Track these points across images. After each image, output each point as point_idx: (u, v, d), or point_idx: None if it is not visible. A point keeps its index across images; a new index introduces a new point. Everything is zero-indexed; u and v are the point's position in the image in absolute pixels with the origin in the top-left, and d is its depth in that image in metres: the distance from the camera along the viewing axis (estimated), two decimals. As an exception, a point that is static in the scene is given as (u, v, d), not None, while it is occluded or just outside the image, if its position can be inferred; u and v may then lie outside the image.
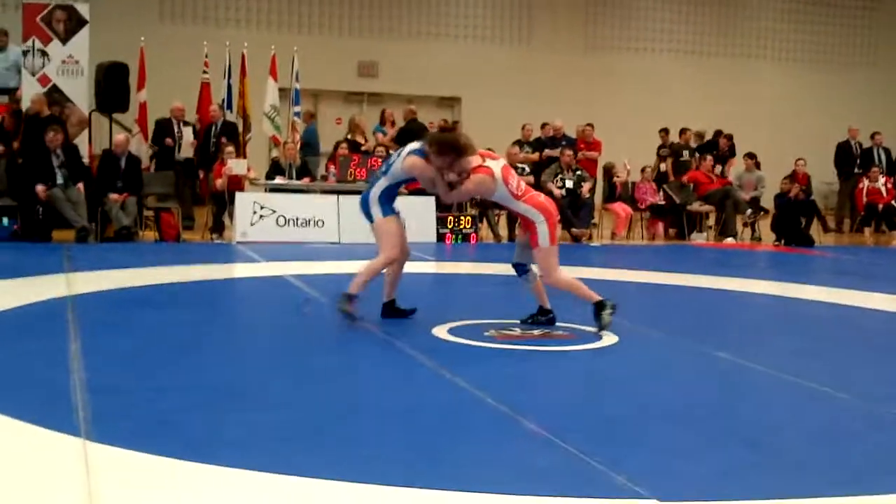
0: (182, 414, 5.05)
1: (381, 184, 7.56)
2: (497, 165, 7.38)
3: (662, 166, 17.23)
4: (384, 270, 7.78)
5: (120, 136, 13.72)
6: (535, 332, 7.45)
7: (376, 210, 7.54)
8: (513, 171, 7.58)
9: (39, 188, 12.56)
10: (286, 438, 4.67)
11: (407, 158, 7.45)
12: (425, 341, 6.97)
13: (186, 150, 15.06)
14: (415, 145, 7.54)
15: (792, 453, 4.71)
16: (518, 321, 7.70)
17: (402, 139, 15.50)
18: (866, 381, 6.29)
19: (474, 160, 7.33)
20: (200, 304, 8.90)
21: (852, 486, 4.13)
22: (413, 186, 14.34)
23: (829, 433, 5.10)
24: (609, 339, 7.21)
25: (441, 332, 7.27)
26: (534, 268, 7.71)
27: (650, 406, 5.53)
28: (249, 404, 5.34)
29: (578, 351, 6.88)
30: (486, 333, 7.29)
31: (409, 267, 11.08)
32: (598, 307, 7.41)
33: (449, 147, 7.29)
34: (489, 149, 7.88)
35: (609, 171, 16.49)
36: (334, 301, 7.55)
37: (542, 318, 7.73)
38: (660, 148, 17.92)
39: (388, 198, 7.57)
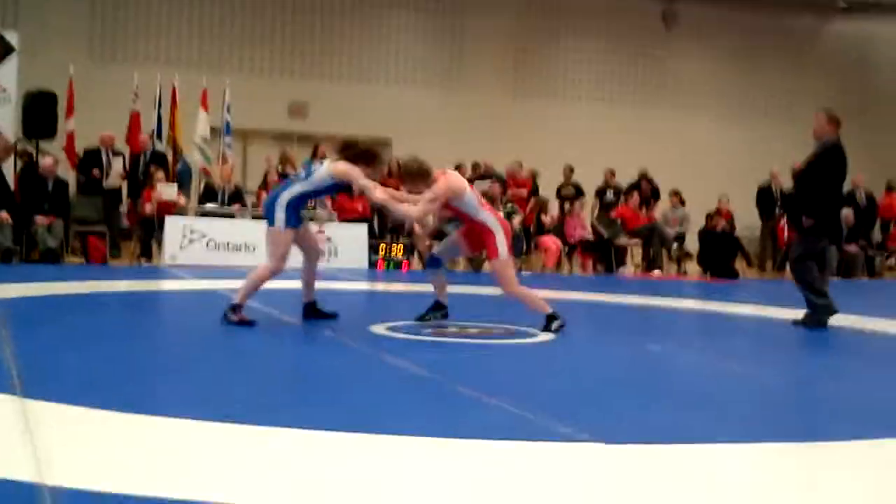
0: (112, 379, 5.02)
1: (295, 190, 7.15)
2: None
3: (567, 206, 17.30)
4: (301, 274, 7.68)
5: (47, 160, 13.53)
6: (472, 329, 7.48)
7: (280, 216, 7.11)
8: None
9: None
10: (227, 398, 4.64)
11: (339, 164, 7.13)
12: (364, 335, 6.98)
13: (115, 179, 14.85)
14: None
15: (725, 410, 4.91)
16: (449, 322, 7.72)
17: None
18: (783, 365, 6.67)
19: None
20: (128, 308, 8.83)
21: (777, 436, 4.33)
22: (351, 216, 14.48)
23: (752, 397, 5.39)
24: (544, 336, 7.27)
25: (380, 329, 7.26)
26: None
27: (588, 380, 5.64)
28: (180, 375, 5.31)
29: (515, 344, 6.93)
30: (425, 331, 7.32)
31: (342, 284, 11.16)
32: (550, 318, 7.45)
33: (423, 173, 7.33)
34: None
35: (541, 206, 16.67)
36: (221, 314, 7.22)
37: (439, 312, 7.82)
38: (560, 187, 18.09)
39: (295, 207, 7.18)
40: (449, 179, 7.30)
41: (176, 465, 3.46)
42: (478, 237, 7.58)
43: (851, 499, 3.44)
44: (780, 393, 5.63)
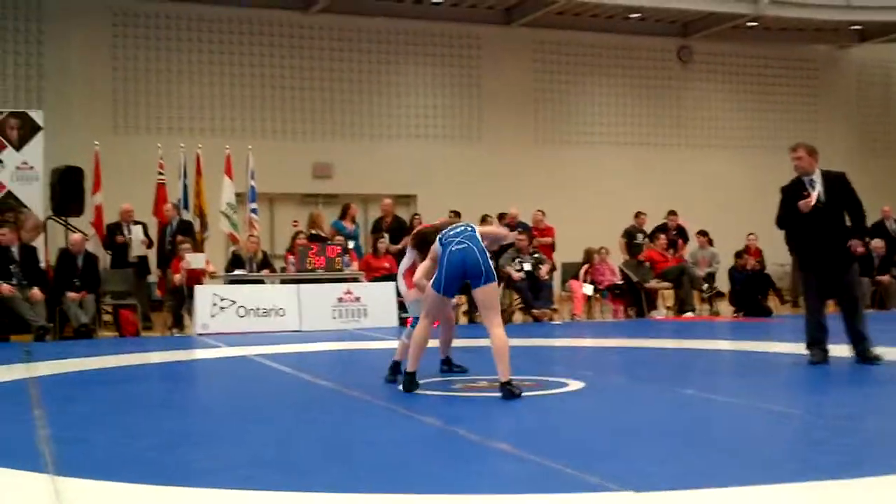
0: (143, 452, 5.03)
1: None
2: None
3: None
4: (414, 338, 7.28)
5: (76, 236, 13.67)
6: (502, 382, 7.45)
7: (493, 272, 7.05)
8: None
9: (5, 287, 12.42)
10: (259, 465, 4.65)
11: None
12: (394, 394, 6.98)
13: (138, 247, 14.97)
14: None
15: (757, 454, 4.86)
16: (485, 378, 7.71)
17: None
18: (816, 404, 6.71)
19: None
20: (160, 380, 8.89)
21: (813, 474, 4.30)
22: (379, 274, 14.56)
23: (787, 436, 5.41)
24: (575, 385, 7.24)
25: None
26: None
27: (619, 428, 5.60)
28: (217, 443, 5.32)
29: (545, 395, 6.90)
30: (454, 386, 7.32)
31: (372, 344, 11.18)
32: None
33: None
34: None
35: (590, 256, 16.51)
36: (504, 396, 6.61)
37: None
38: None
39: None
40: None
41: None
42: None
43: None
44: (817, 430, 5.56)
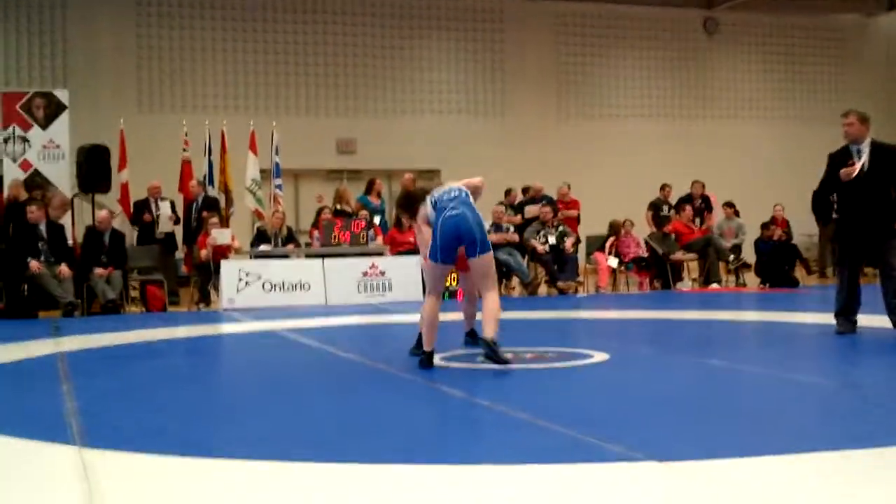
0: (173, 425, 5.07)
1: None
2: None
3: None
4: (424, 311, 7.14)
5: (103, 213, 13.76)
6: (527, 355, 7.46)
7: (488, 242, 6.91)
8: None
9: (34, 263, 12.53)
10: (284, 437, 4.68)
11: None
12: (419, 367, 6.99)
13: (165, 224, 15.09)
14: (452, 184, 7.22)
15: (784, 423, 4.86)
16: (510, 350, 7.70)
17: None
18: (844, 373, 6.70)
19: None
20: (186, 354, 8.96)
21: (840, 444, 4.26)
22: (404, 248, 14.53)
23: (813, 406, 5.36)
24: (600, 356, 7.23)
25: (435, 360, 7.23)
26: None
27: (643, 398, 5.60)
28: (242, 416, 5.36)
29: (570, 367, 6.90)
30: (479, 359, 7.32)
31: (396, 318, 11.22)
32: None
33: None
34: None
35: (615, 228, 16.40)
36: (486, 353, 6.76)
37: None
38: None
39: None
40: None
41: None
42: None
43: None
44: (845, 399, 5.54)
